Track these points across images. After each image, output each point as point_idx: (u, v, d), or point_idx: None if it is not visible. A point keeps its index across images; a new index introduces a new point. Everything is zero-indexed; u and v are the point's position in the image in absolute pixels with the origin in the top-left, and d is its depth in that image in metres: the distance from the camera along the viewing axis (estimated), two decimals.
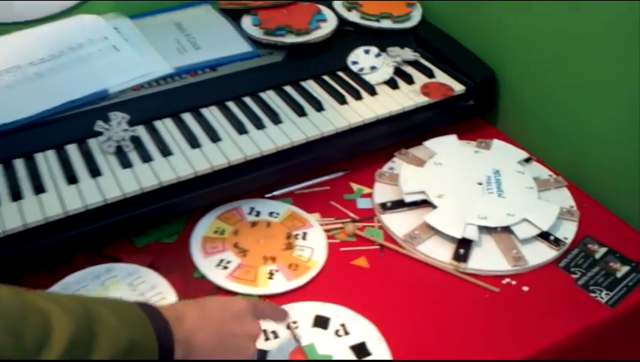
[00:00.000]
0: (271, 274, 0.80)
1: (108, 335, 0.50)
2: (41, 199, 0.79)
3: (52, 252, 0.79)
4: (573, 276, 0.83)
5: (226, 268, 0.80)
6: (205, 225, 0.87)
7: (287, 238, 0.85)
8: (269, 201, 0.92)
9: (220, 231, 0.86)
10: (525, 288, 0.81)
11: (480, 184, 0.91)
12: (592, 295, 0.80)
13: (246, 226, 0.87)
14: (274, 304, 0.73)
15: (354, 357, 0.71)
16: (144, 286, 0.76)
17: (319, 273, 0.81)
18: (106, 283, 0.76)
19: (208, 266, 0.80)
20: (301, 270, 0.81)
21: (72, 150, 0.88)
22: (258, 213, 0.89)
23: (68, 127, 0.91)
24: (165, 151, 0.88)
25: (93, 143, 0.89)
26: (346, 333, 0.74)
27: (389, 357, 0.71)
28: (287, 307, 0.76)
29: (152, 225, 0.87)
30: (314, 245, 0.85)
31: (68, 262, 0.81)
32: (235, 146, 0.89)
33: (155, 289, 0.76)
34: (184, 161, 0.86)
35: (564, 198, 0.93)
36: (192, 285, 0.78)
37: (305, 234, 0.86)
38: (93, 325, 0.49)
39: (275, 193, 0.94)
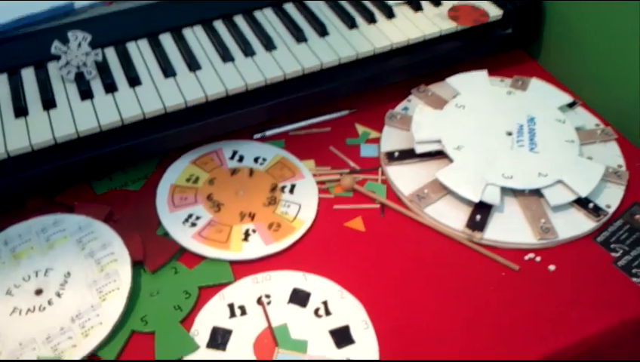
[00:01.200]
0: (247, 234, 0.68)
1: None
2: None
3: None
4: (613, 254, 0.68)
5: (194, 224, 0.68)
6: (177, 171, 0.74)
7: (272, 191, 0.72)
8: (256, 144, 0.78)
9: (192, 179, 0.73)
10: (552, 267, 0.67)
11: (509, 134, 0.76)
12: (635, 280, 0.65)
13: (224, 174, 0.74)
14: None
15: (332, 344, 0.59)
16: (95, 244, 0.65)
17: (304, 235, 0.69)
18: (51, 238, 0.65)
19: (174, 222, 0.68)
20: (283, 231, 0.68)
21: (28, 76, 0.75)
22: (241, 158, 0.76)
23: (25, 47, 0.78)
24: (133, 80, 0.74)
25: (53, 68, 0.76)
26: (328, 313, 0.62)
27: (374, 345, 0.59)
28: (261, 276, 0.65)
29: (117, 168, 0.75)
30: (302, 200, 0.72)
31: (19, 207, 0.70)
32: (217, 77, 0.75)
33: (108, 248, 0.64)
34: (153, 93, 0.73)
35: (611, 155, 0.77)
36: (153, 244, 0.66)
37: (293, 186, 0.73)
38: None
39: (266, 133, 0.80)
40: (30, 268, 0.63)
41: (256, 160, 0.76)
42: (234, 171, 0.74)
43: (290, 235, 0.68)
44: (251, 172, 0.74)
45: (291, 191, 0.73)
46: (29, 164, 0.67)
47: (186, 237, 0.67)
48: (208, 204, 0.71)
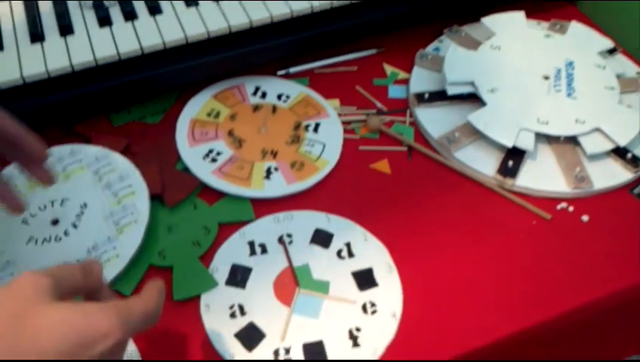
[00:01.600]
0: (269, 172, 0.65)
1: None
2: None
3: None
4: None
5: (215, 160, 0.66)
6: (198, 105, 0.71)
7: (295, 129, 0.70)
8: (279, 80, 0.75)
9: (214, 114, 0.70)
10: (585, 217, 0.64)
11: (546, 78, 0.72)
12: None
13: (247, 110, 0.71)
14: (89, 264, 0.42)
15: (355, 286, 0.58)
16: (112, 175, 0.63)
17: (328, 175, 0.66)
18: (68, 168, 0.63)
19: (194, 157, 0.66)
20: (307, 170, 0.66)
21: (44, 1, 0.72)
22: (264, 95, 0.73)
23: None
24: (154, 9, 0.71)
25: None
26: (351, 255, 0.60)
27: (398, 289, 0.57)
28: (283, 215, 0.62)
29: (135, 101, 0.72)
30: (327, 140, 0.69)
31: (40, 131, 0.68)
32: (240, 7, 0.71)
33: (125, 180, 0.62)
34: (174, 23, 0.69)
35: None
36: (172, 179, 0.64)
37: (318, 125, 0.70)
38: None
39: (290, 70, 0.77)
40: (46, 197, 0.61)
41: (279, 97, 0.73)
42: (256, 107, 0.72)
43: (314, 175, 0.65)
44: (274, 109, 0.71)
45: (315, 130, 0.70)
46: (45, 91, 0.65)
47: (206, 172, 0.65)
48: (229, 139, 0.68)
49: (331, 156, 0.67)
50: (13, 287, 0.36)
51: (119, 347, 0.37)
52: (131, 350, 0.53)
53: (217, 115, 0.70)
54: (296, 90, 0.74)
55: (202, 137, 0.68)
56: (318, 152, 0.67)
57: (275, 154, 0.67)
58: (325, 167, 0.66)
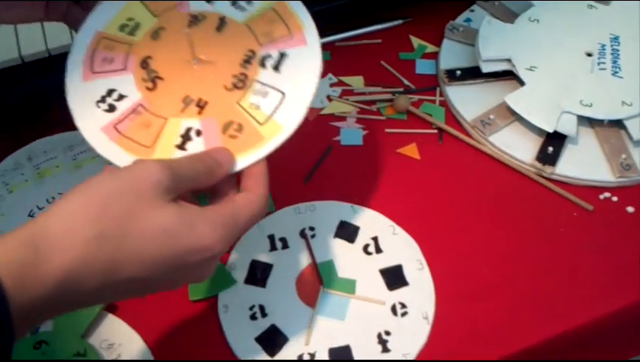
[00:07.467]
0: (185, 137, 0.42)
1: None
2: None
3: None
4: None
5: (113, 108, 0.43)
6: (111, 12, 0.46)
7: (246, 63, 0.44)
8: None
9: (129, 29, 0.46)
10: (630, 208, 0.59)
11: (589, 55, 0.66)
12: None
13: (179, 22, 0.46)
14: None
15: (383, 285, 0.54)
16: None
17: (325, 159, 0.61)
18: (78, 157, 0.59)
19: (84, 99, 0.43)
20: (246, 139, 0.42)
21: None
22: None
23: None
24: None
25: None
26: (378, 251, 0.56)
27: (430, 288, 0.53)
28: (304, 206, 0.58)
29: None
30: (290, 87, 0.43)
31: (42, 120, 0.64)
32: None
33: None
34: None
35: None
36: None
37: (282, 57, 0.44)
38: None
39: None
40: (55, 188, 0.57)
41: (234, 2, 0.47)
42: (195, 19, 0.46)
43: (254, 148, 0.41)
44: (221, 23, 0.46)
45: (276, 67, 0.44)
46: (48, 70, 0.60)
47: (93, 128, 0.43)
48: (140, 73, 0.44)
49: (289, 118, 0.42)
50: (133, 180, 0.35)
51: (216, 258, 0.38)
52: (144, 351, 0.50)
53: (134, 29, 0.46)
54: None
55: (103, 67, 0.45)
56: (270, 108, 0.43)
57: (202, 106, 0.43)
58: (276, 135, 0.41)
